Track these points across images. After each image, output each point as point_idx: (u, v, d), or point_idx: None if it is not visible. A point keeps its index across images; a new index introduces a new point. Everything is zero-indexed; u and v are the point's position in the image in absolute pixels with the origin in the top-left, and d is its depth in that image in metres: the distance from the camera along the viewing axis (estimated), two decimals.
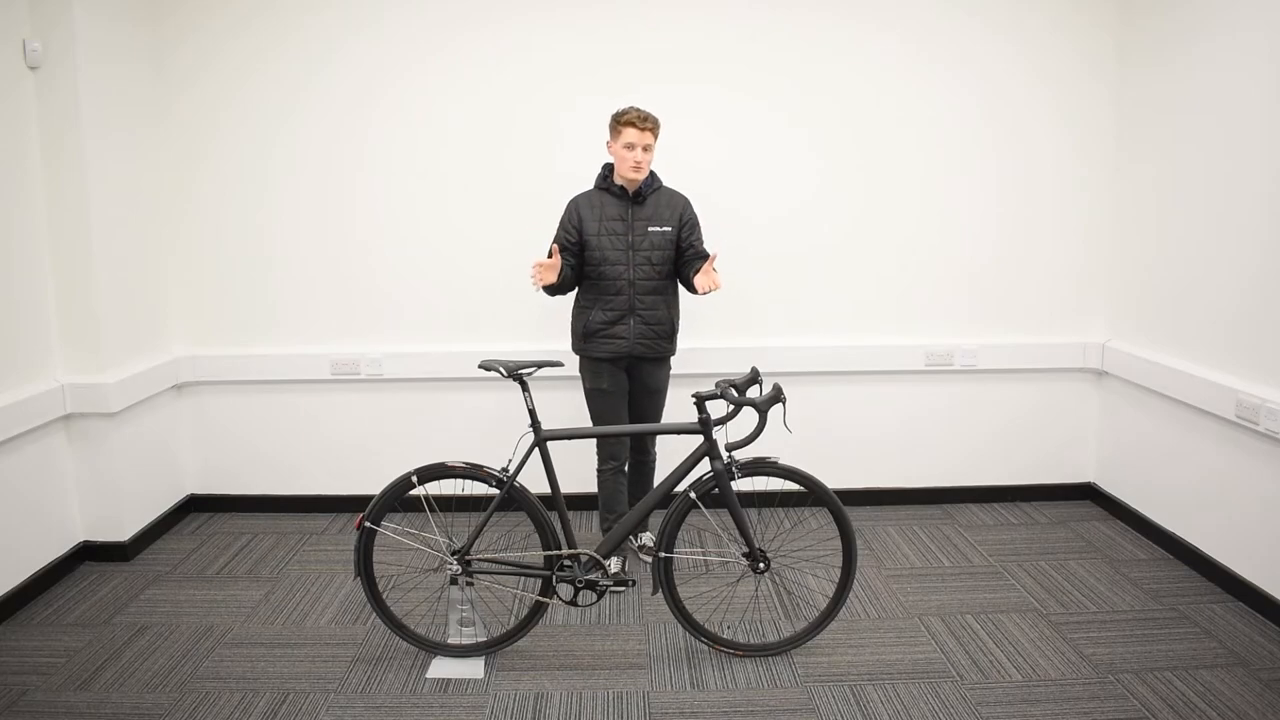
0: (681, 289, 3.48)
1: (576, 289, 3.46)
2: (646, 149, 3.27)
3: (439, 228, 4.03)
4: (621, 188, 3.34)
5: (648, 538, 3.67)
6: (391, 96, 3.95)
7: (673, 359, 3.54)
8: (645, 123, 3.24)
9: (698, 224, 3.44)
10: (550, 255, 3.23)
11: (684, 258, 3.39)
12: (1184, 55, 3.57)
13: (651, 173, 3.37)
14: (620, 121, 3.27)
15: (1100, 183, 4.05)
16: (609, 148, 3.35)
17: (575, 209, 3.38)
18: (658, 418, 3.54)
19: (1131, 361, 3.91)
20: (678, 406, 3.56)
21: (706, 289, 3.18)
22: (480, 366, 3.01)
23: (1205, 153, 3.47)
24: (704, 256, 3.37)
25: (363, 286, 4.08)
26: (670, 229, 3.36)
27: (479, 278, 4.04)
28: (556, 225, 3.41)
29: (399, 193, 4.01)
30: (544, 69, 3.92)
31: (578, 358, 3.50)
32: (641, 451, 3.60)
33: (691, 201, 3.46)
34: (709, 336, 4.04)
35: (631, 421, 3.52)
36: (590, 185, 3.43)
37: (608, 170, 3.39)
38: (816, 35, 3.93)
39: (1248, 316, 3.27)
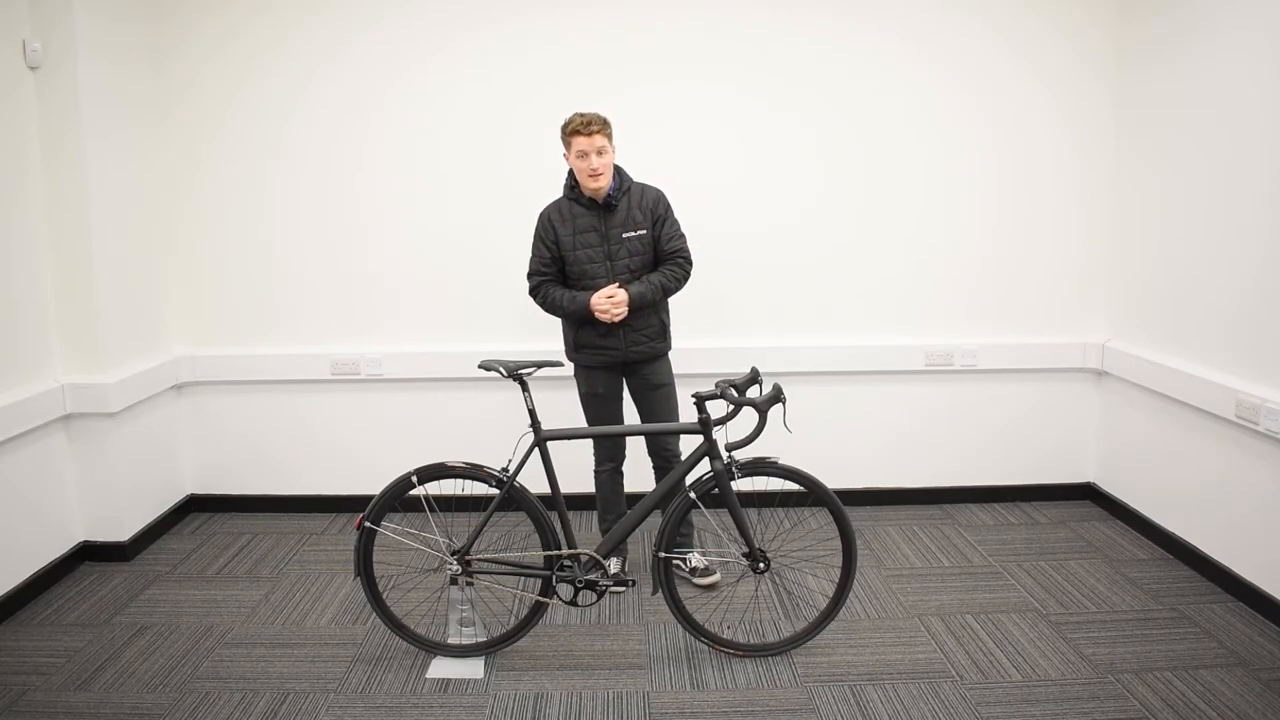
0: None
1: None
2: (600, 153, 3.08)
3: (439, 227, 4.03)
4: (590, 198, 3.21)
5: (696, 559, 3.40)
6: (391, 96, 3.95)
7: (672, 354, 3.43)
8: (590, 127, 3.06)
9: (670, 217, 3.27)
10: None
11: (659, 255, 3.27)
12: (1184, 55, 3.57)
13: (619, 172, 3.22)
14: (567, 133, 3.11)
15: (1100, 183, 4.05)
16: (566, 159, 3.19)
17: (549, 222, 3.24)
18: (673, 413, 3.40)
19: (1132, 361, 3.90)
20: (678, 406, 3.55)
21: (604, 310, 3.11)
22: (480, 366, 3.00)
23: (1206, 152, 3.47)
24: (684, 254, 3.27)
25: (362, 286, 4.08)
26: (645, 231, 3.23)
27: (479, 277, 4.03)
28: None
29: (398, 192, 4.01)
30: (543, 69, 3.92)
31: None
32: (663, 456, 3.37)
33: (667, 195, 3.30)
34: (709, 337, 4.04)
35: (644, 420, 3.42)
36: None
37: (574, 179, 3.22)
38: (816, 35, 3.92)
39: (1248, 316, 3.27)
